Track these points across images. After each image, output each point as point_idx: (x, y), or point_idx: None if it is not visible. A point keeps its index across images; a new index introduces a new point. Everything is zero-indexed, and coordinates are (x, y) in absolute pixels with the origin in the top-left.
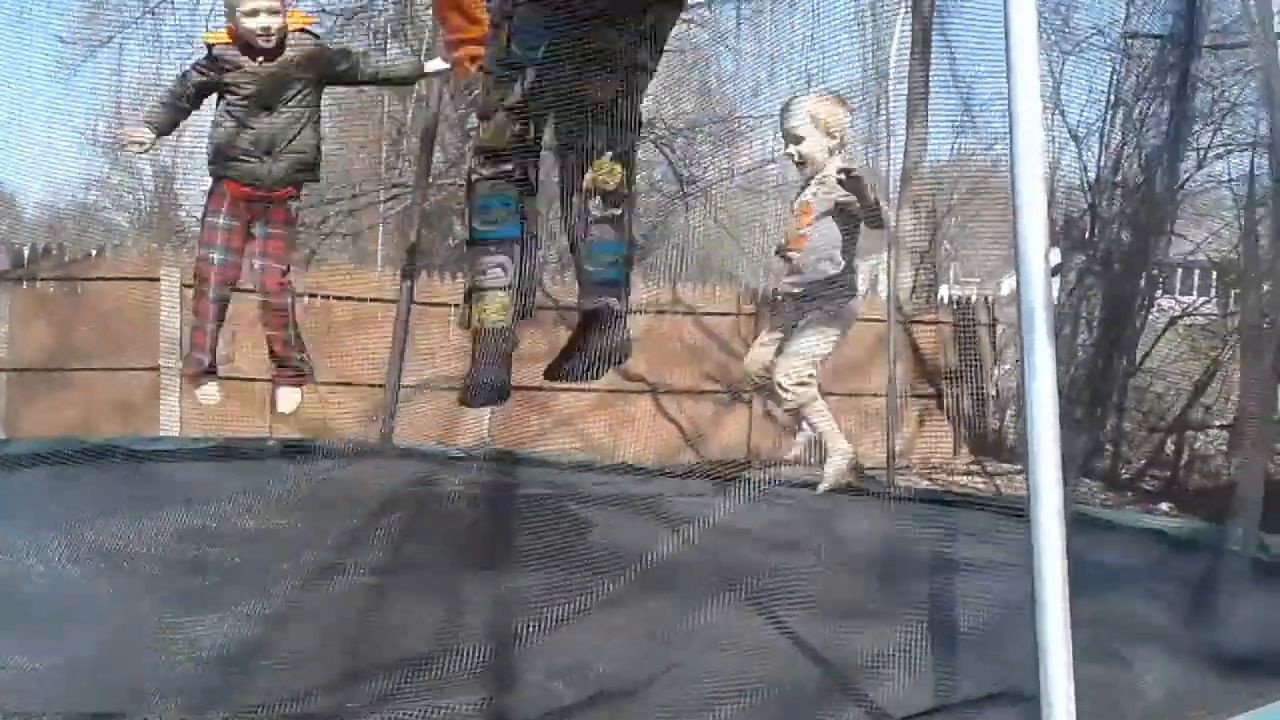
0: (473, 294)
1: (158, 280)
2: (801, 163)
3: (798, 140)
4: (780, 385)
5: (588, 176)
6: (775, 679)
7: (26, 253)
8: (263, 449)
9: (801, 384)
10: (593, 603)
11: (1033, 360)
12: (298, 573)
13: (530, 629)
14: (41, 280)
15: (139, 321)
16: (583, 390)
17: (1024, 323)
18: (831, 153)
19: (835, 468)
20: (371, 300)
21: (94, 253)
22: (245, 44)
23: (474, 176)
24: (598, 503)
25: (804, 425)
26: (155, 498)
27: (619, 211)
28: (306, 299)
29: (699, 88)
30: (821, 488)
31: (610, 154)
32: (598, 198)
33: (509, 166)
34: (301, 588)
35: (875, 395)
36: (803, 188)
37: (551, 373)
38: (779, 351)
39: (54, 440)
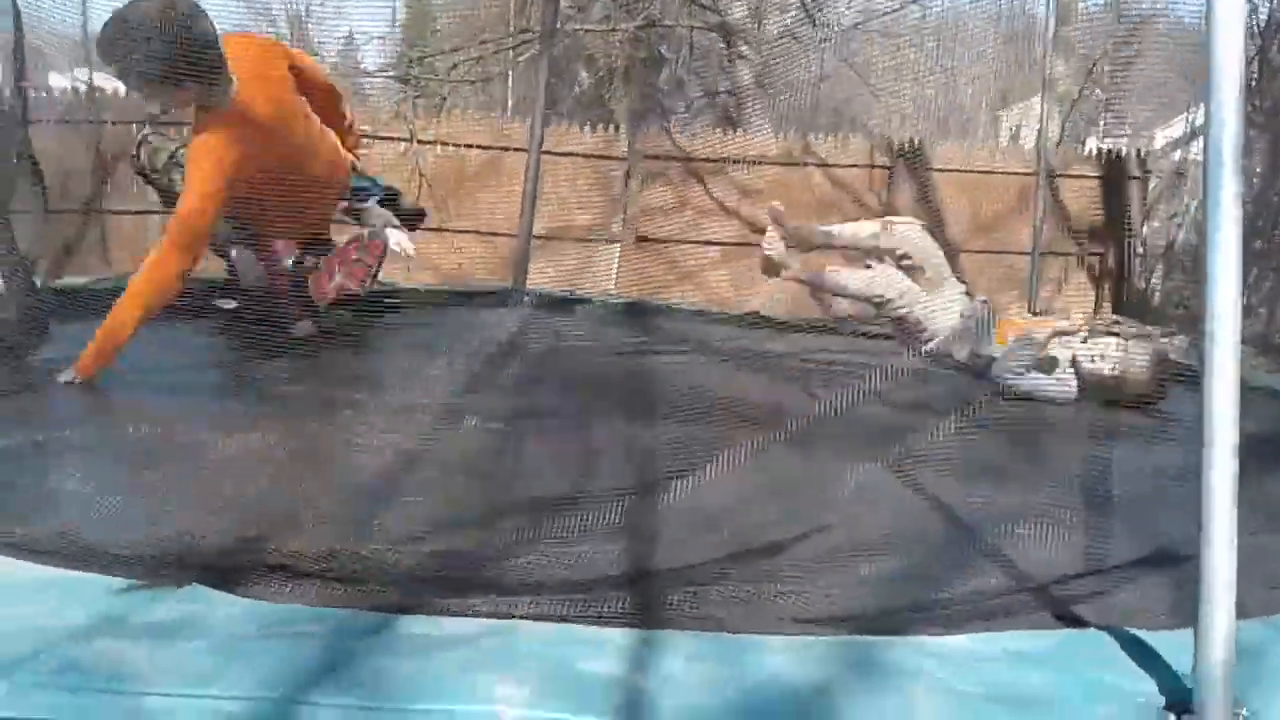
0: None
1: None
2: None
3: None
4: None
5: None
6: (915, 538)
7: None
8: (400, 293)
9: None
10: (727, 458)
11: (1218, 199)
12: (435, 414)
13: (665, 482)
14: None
15: None
16: (710, 243)
17: (1210, 158)
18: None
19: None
20: (502, 149)
21: None
22: None
23: None
24: (728, 356)
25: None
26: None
27: None
28: (438, 148)
29: None
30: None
31: None
32: None
33: None
34: (440, 429)
35: (1018, 252)
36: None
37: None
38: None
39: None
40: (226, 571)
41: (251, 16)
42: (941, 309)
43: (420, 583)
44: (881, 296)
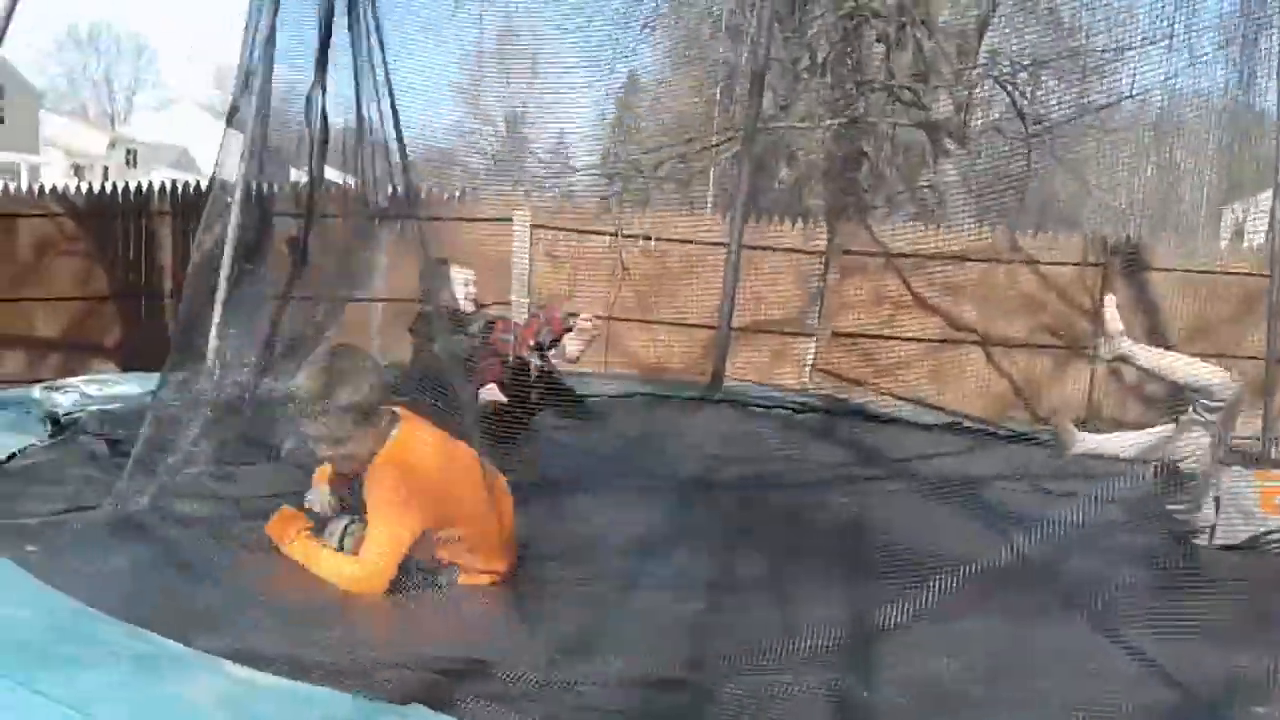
0: None
1: (510, 221)
2: None
3: None
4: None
5: None
6: (1137, 705)
7: (391, 193)
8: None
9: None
10: (930, 606)
11: None
12: (635, 535)
13: (870, 628)
14: (410, 219)
15: (493, 259)
16: (909, 339)
17: None
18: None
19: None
20: (702, 243)
21: (457, 193)
22: None
23: None
24: (934, 484)
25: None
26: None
27: None
28: (641, 242)
29: (1047, 19)
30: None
31: None
32: None
33: None
34: (640, 552)
35: (1245, 357)
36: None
37: None
38: None
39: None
40: (443, 694)
41: (474, 119)
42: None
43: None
44: (1206, 389)
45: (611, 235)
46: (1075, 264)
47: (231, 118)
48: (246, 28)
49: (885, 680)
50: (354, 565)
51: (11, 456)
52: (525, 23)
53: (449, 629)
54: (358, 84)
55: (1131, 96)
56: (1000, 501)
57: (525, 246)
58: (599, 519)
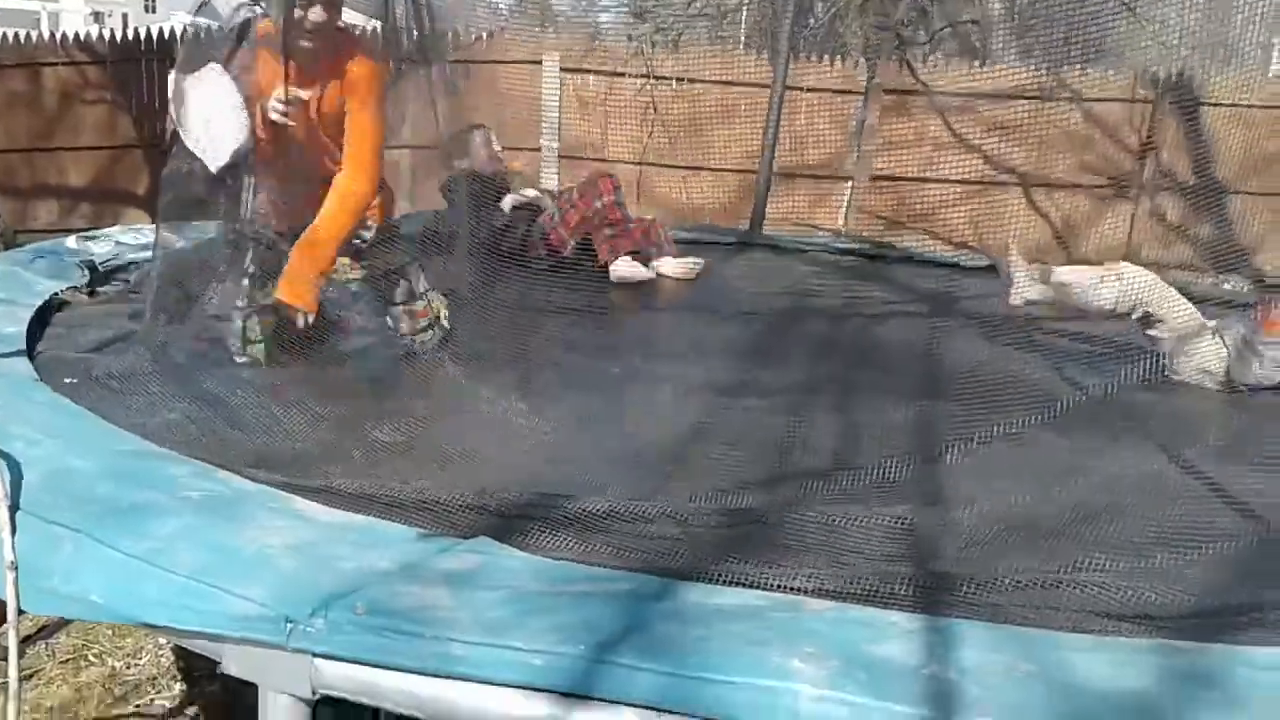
0: None
1: (539, 63)
2: None
3: None
4: None
5: None
6: (1212, 533)
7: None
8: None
9: None
10: (987, 432)
11: None
12: (697, 376)
13: (935, 463)
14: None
15: (523, 105)
16: (948, 181)
17: None
18: None
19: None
20: (736, 84)
21: (485, 35)
22: None
23: None
24: (976, 315)
25: None
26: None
27: None
28: (674, 83)
29: None
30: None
31: None
32: None
33: None
34: (701, 391)
35: None
36: None
37: None
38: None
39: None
40: (511, 526)
41: None
42: (1196, 352)
43: (697, 551)
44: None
45: (643, 78)
46: (1124, 100)
47: None
48: None
49: (958, 505)
50: (346, 188)
51: (53, 297)
52: None
53: (512, 455)
54: None
55: None
56: (1051, 340)
57: (556, 90)
58: (660, 343)
